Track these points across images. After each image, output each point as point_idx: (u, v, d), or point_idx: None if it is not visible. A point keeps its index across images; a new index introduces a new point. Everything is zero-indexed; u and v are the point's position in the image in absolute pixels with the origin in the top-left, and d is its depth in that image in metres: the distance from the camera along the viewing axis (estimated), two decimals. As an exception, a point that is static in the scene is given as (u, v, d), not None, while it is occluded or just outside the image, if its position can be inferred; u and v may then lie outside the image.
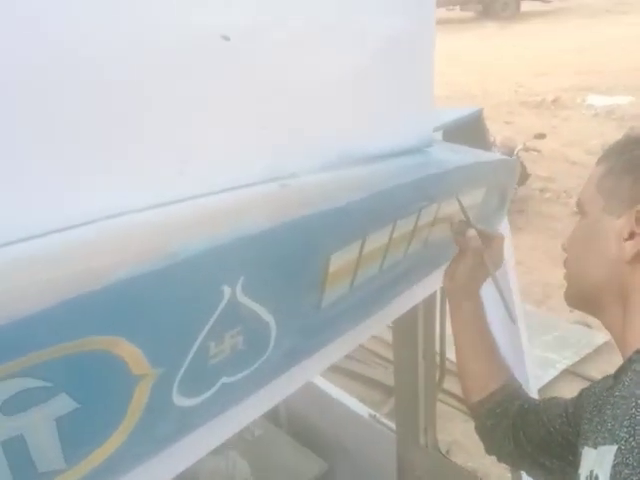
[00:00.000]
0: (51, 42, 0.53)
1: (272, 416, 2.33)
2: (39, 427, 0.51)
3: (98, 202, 0.58)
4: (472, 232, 0.94)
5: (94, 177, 0.58)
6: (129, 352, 0.54)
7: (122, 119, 0.59)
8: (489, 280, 0.97)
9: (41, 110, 0.53)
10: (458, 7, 17.42)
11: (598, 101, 8.56)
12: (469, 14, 17.46)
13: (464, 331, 0.98)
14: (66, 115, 0.55)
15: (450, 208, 0.98)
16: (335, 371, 3.17)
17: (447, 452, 2.65)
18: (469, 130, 4.24)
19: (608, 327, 0.76)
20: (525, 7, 17.22)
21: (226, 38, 0.63)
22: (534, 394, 1.53)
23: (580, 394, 0.83)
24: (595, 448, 0.64)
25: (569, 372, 3.29)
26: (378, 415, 2.11)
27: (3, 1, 0.49)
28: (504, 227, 1.35)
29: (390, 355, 2.73)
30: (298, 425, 2.37)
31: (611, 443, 0.59)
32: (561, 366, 3.31)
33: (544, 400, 0.93)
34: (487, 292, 0.99)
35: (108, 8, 0.55)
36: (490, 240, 0.96)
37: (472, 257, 0.94)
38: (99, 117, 0.57)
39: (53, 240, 0.54)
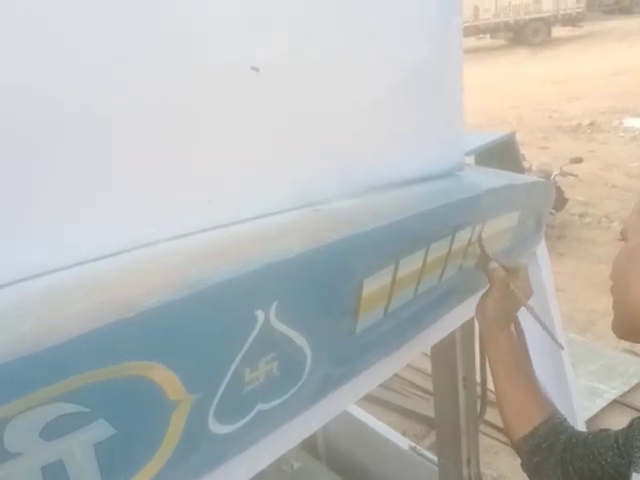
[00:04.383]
0: (74, 83, 0.55)
1: (310, 448, 2.30)
2: (78, 453, 0.52)
3: (130, 232, 0.60)
4: (494, 264, 0.94)
5: (126, 208, 0.59)
6: (165, 377, 0.55)
7: (152, 150, 0.61)
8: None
9: (86, 143, 0.56)
10: (488, 35, 17.54)
11: (635, 123, 8.43)
12: (500, 42, 17.54)
13: (500, 365, 0.95)
14: (100, 148, 0.57)
15: (484, 232, 0.97)
16: (374, 402, 3.12)
17: (493, 487, 2.56)
18: (502, 154, 4.24)
19: None
20: (556, 33, 17.22)
21: (255, 69, 0.65)
22: (581, 425, 1.47)
23: (631, 424, 0.80)
24: None
25: (618, 403, 3.15)
26: (419, 447, 2.06)
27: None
28: (542, 252, 1.33)
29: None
30: (337, 458, 2.33)
31: None
32: (609, 396, 3.18)
33: (593, 433, 0.89)
34: (528, 321, 0.97)
35: (139, 42, 0.58)
36: (514, 271, 0.95)
37: (499, 289, 0.93)
38: (130, 148, 0.59)
39: (87, 269, 0.55)
